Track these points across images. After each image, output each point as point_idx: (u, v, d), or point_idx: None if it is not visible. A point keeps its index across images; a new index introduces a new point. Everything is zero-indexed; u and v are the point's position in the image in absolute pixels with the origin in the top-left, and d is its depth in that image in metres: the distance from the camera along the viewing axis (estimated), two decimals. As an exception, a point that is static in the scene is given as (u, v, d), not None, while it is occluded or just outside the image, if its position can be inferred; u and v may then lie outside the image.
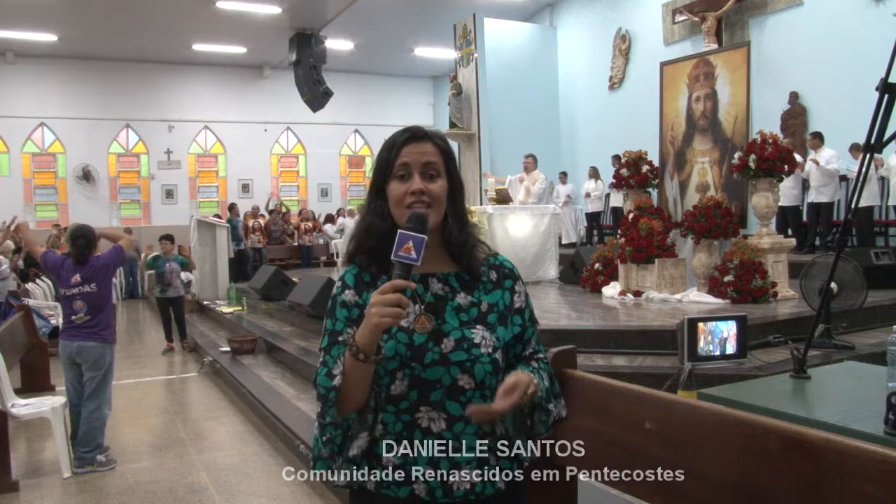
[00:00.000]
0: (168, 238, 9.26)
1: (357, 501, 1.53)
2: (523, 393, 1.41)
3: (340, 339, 1.45)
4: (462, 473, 1.44)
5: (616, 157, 8.28)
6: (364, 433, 1.47)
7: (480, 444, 1.46)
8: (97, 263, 4.79)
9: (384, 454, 1.46)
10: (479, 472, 1.45)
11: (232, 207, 16.21)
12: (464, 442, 1.44)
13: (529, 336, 1.56)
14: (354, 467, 1.48)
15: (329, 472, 1.50)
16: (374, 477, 1.47)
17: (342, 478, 1.49)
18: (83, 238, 4.80)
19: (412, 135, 1.50)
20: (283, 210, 17.63)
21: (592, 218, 13.75)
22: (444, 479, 1.44)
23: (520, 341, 1.55)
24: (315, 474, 1.53)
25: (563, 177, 14.08)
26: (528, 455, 1.55)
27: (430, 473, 1.44)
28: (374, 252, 1.49)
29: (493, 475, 1.47)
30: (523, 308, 1.56)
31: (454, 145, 13.00)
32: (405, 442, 1.44)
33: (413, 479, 1.44)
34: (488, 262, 1.56)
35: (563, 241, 13.34)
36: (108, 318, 4.85)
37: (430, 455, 1.44)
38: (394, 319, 1.31)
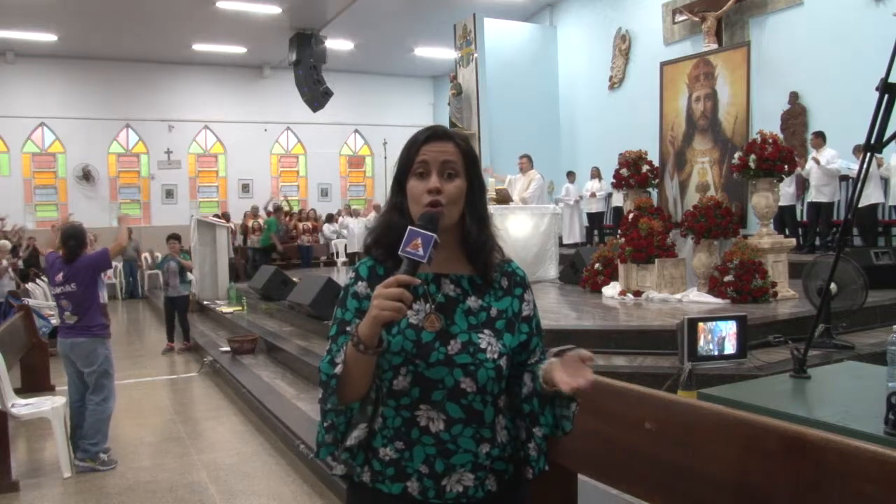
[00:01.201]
0: (174, 238, 9.27)
1: (353, 493, 1.54)
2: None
3: (348, 328, 1.46)
4: (455, 476, 1.45)
5: (623, 155, 8.29)
6: (363, 424, 1.48)
7: (479, 449, 1.45)
8: (80, 264, 4.82)
9: (381, 448, 1.47)
10: (473, 476, 1.46)
11: (278, 209, 16.27)
12: (461, 445, 1.44)
13: (535, 346, 1.56)
14: (351, 457, 1.48)
15: (332, 458, 1.50)
16: (370, 470, 1.48)
17: (339, 468, 1.50)
18: (74, 238, 4.84)
19: (433, 133, 1.51)
20: (288, 209, 17.63)
21: (594, 218, 13.73)
22: (438, 479, 1.44)
23: (525, 350, 1.55)
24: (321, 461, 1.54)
25: (571, 176, 14.04)
26: (537, 464, 1.53)
27: (425, 472, 1.44)
28: (391, 248, 1.49)
29: (486, 478, 1.48)
30: (531, 316, 1.56)
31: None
32: (403, 438, 1.45)
33: (407, 476, 1.45)
34: (501, 269, 1.57)
35: (566, 241, 13.33)
36: (95, 316, 4.86)
37: (426, 454, 1.44)
38: (393, 313, 1.30)
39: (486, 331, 1.48)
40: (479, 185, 1.54)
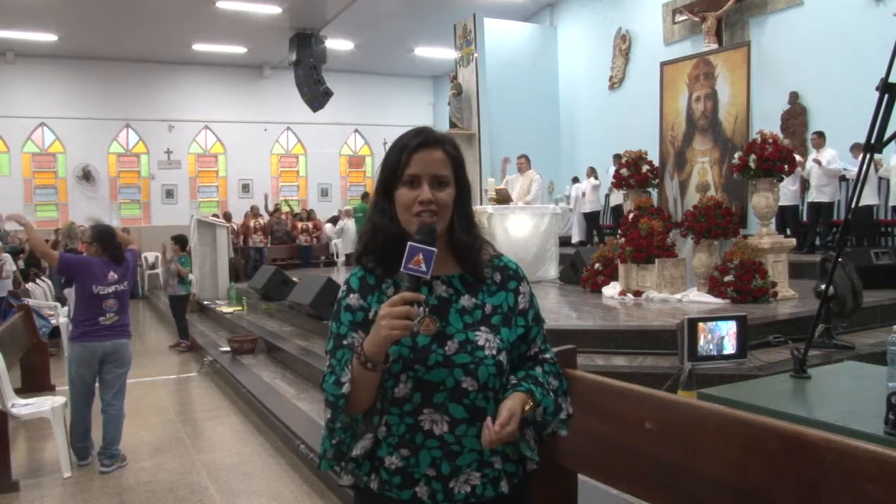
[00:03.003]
0: (172, 239, 9.27)
1: (361, 500, 1.54)
2: (519, 420, 1.42)
3: (345, 342, 1.46)
4: (463, 476, 1.45)
5: (617, 157, 8.30)
6: (369, 434, 1.48)
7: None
8: (128, 263, 4.90)
9: (387, 456, 1.47)
10: (480, 474, 1.46)
11: (365, 196, 16.33)
12: (465, 445, 1.44)
13: (534, 336, 1.56)
14: (357, 468, 1.48)
15: (335, 469, 1.51)
16: (378, 478, 1.48)
17: (347, 479, 1.51)
18: (115, 237, 4.90)
19: (424, 140, 1.48)
20: (288, 210, 17.63)
21: (590, 218, 13.73)
22: (446, 482, 1.44)
23: (524, 341, 1.55)
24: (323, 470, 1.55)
25: (577, 179, 14.05)
26: (535, 458, 1.55)
27: (432, 476, 1.44)
28: (380, 254, 1.49)
29: (496, 478, 1.48)
30: (527, 308, 1.56)
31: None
32: (407, 445, 1.45)
33: (415, 482, 1.45)
34: (493, 264, 1.56)
35: (574, 241, 13.34)
36: (129, 315, 4.95)
37: (432, 458, 1.44)
38: (403, 332, 1.32)
39: (482, 328, 1.48)
40: (467, 189, 1.54)
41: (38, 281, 10.69)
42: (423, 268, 1.34)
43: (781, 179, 6.99)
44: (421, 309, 1.45)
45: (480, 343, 1.45)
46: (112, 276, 4.74)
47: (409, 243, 1.36)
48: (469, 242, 1.52)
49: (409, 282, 1.35)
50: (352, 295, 1.51)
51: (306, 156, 20.04)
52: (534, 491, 1.63)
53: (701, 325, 4.59)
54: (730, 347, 4.63)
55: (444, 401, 1.43)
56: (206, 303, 11.72)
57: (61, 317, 8.73)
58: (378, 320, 1.34)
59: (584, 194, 13.47)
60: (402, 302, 1.32)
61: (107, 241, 4.84)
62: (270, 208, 17.35)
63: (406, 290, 1.34)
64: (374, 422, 1.48)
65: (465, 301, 1.50)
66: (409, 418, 1.45)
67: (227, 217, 15.91)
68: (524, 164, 10.07)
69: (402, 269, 1.36)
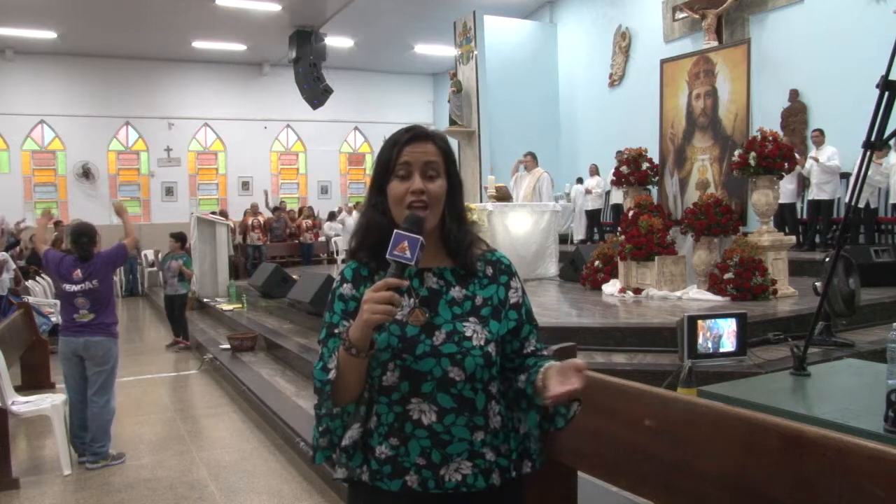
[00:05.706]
0: (174, 237, 9.31)
1: (354, 493, 1.56)
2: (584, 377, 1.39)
3: (337, 331, 1.48)
4: (453, 465, 1.45)
5: (620, 153, 8.30)
6: (356, 424, 1.49)
7: (473, 437, 1.47)
8: (99, 261, 4.82)
9: (377, 446, 1.48)
10: (471, 464, 1.46)
11: (277, 208, 16.27)
12: (455, 434, 1.45)
13: (527, 333, 1.57)
14: (348, 459, 1.49)
15: (328, 462, 1.51)
16: (369, 469, 1.49)
17: (340, 472, 1.51)
18: (86, 236, 4.83)
19: (414, 135, 1.52)
20: (285, 208, 17.64)
21: (592, 215, 13.75)
22: (436, 470, 1.45)
23: (517, 337, 1.55)
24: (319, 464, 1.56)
25: (580, 180, 14.07)
26: (539, 457, 1.55)
27: (422, 464, 1.45)
28: (374, 248, 1.51)
29: (488, 470, 1.48)
30: (520, 303, 1.57)
31: (454, 143, 13.01)
32: (397, 434, 1.46)
33: (405, 471, 1.46)
34: (485, 258, 1.58)
35: (575, 239, 13.34)
36: (112, 314, 4.88)
37: (421, 447, 1.45)
38: (384, 316, 1.33)
39: (470, 319, 1.49)
40: (458, 184, 1.56)
41: (37, 279, 10.70)
42: (408, 255, 1.35)
43: (781, 177, 6.98)
44: (411, 300, 1.47)
45: (468, 334, 1.47)
46: (77, 274, 4.70)
47: (395, 231, 1.38)
48: (460, 236, 1.54)
49: (395, 269, 1.36)
50: (345, 285, 1.53)
51: (306, 153, 20.04)
52: (532, 486, 1.63)
53: (701, 322, 4.59)
54: (729, 345, 4.63)
55: (431, 390, 1.45)
56: (205, 300, 11.72)
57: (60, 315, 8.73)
58: (361, 305, 1.35)
59: (588, 192, 13.48)
60: (386, 287, 1.33)
61: (76, 238, 4.81)
62: (271, 205, 17.33)
63: (391, 276, 1.35)
64: (360, 411, 1.49)
65: (456, 292, 1.52)
66: (397, 407, 1.46)
67: (224, 215, 15.94)
68: (531, 161, 10.04)
69: (387, 256, 1.37)
